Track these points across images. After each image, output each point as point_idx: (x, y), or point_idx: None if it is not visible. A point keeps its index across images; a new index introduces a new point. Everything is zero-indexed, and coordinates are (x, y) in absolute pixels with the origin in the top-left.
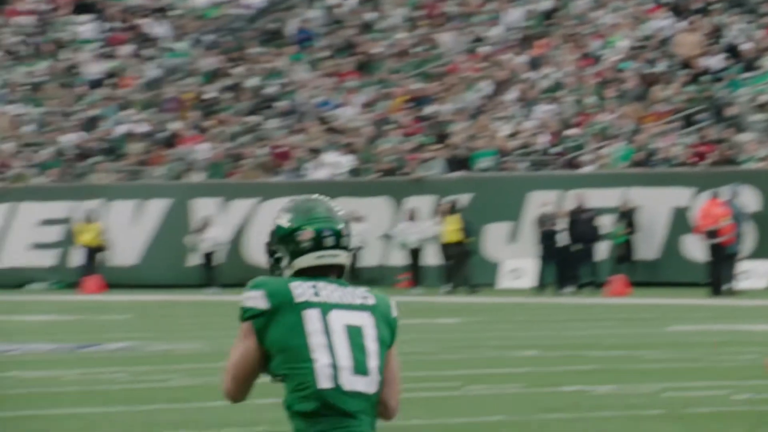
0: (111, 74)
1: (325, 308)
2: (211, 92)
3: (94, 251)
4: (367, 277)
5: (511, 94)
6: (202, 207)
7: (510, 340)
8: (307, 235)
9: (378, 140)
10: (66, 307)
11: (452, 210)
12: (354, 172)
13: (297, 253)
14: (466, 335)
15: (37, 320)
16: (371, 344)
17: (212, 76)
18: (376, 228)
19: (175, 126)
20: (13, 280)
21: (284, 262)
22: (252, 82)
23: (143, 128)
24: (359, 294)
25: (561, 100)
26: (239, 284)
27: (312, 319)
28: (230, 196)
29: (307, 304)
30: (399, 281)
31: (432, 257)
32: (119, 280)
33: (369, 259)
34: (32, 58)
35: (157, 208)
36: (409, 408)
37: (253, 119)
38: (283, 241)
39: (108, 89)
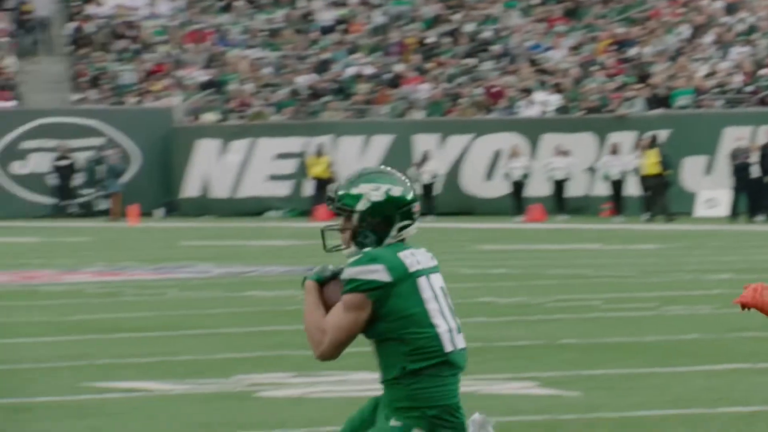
0: (341, 21)
1: (427, 274)
2: (431, 37)
3: (324, 182)
4: (573, 207)
5: (709, 37)
6: (422, 142)
7: (705, 265)
8: (418, 207)
9: (584, 80)
10: (299, 233)
11: (652, 144)
12: (561, 109)
13: (408, 224)
14: (664, 260)
15: (274, 245)
16: (451, 301)
17: (433, 22)
18: (582, 161)
19: (398, 68)
20: (253, 208)
21: (394, 232)
22: (469, 27)
23: (370, 70)
24: (429, 255)
25: (755, 43)
26: (455, 213)
27: (424, 286)
28: (448, 132)
29: (418, 273)
30: (602, 210)
31: (633, 188)
32: None
33: (575, 190)
34: (271, 6)
35: (381, 143)
36: (610, 327)
37: (469, 61)
38: (399, 211)
39: (339, 34)
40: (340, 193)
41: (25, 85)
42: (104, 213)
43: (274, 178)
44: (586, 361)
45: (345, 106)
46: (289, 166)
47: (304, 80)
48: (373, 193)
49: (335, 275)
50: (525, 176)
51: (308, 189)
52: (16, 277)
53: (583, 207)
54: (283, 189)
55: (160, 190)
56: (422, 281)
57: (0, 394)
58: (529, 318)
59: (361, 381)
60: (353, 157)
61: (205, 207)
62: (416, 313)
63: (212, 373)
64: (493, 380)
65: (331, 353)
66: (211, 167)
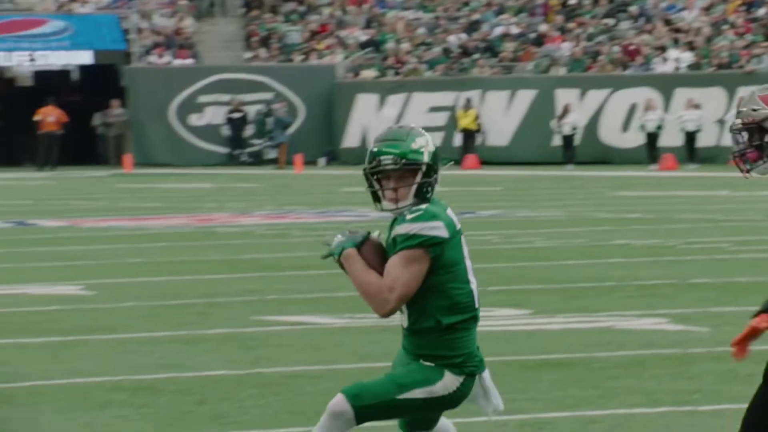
0: None
1: (462, 232)
2: None
3: (471, 133)
4: (703, 156)
5: None
6: (564, 96)
7: None
8: None
9: (715, 38)
10: (448, 180)
11: None
12: (693, 66)
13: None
14: None
15: None
16: None
17: None
18: (712, 114)
19: (542, 28)
20: None
21: (439, 179)
22: None
23: (516, 30)
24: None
25: None
26: (593, 162)
27: (463, 244)
28: (587, 87)
29: (461, 230)
30: (730, 159)
31: None
32: (493, 158)
33: (705, 141)
34: None
35: (525, 97)
36: (738, 267)
37: (608, 21)
38: (438, 162)
39: None
40: (397, 151)
41: (202, 44)
42: (272, 161)
43: (427, 129)
44: (715, 299)
45: (492, 63)
46: (441, 119)
47: (455, 39)
48: (429, 145)
49: (365, 239)
50: (659, 128)
51: (457, 140)
52: (193, 220)
53: (712, 156)
54: (434, 140)
55: (323, 140)
56: (462, 239)
57: (176, 327)
58: (662, 259)
59: (505, 316)
60: (499, 110)
61: (363, 156)
62: (460, 269)
63: (369, 308)
64: (628, 316)
65: (394, 308)
66: (370, 119)
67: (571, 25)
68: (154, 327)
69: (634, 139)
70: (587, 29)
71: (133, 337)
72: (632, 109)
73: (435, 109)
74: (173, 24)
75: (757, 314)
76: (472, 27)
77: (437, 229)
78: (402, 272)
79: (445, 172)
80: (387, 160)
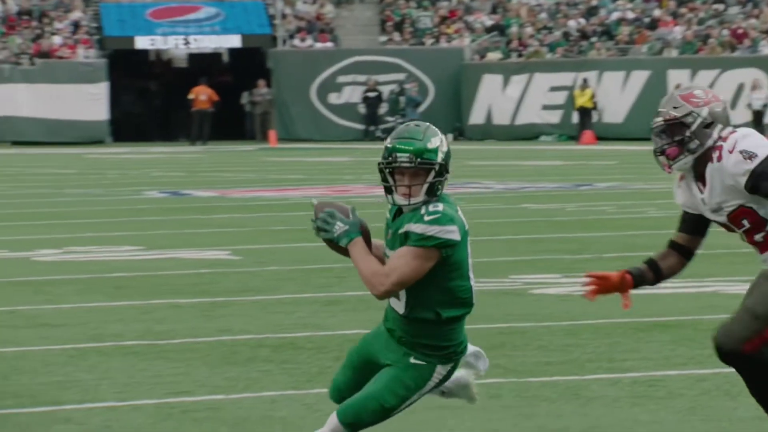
0: None
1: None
2: None
3: (588, 111)
4: None
5: None
6: (676, 77)
7: None
8: None
9: None
10: (567, 154)
11: None
12: None
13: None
14: None
15: (546, 164)
16: None
17: None
18: None
19: (656, 13)
20: (529, 133)
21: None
22: None
23: (631, 15)
24: None
25: None
26: None
27: (468, 243)
28: (697, 68)
29: (468, 231)
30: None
31: None
32: (608, 134)
33: None
34: None
35: (639, 77)
36: None
37: (718, 6)
38: (450, 161)
39: None
40: (413, 149)
41: (341, 29)
42: None
43: (547, 107)
44: None
45: (609, 46)
46: (560, 98)
47: (574, 24)
48: (443, 144)
49: (361, 226)
50: (765, 106)
51: (575, 117)
52: (331, 191)
53: None
54: (554, 117)
55: (451, 117)
56: (468, 238)
57: (315, 289)
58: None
59: None
60: (615, 90)
61: (488, 132)
62: (465, 267)
63: (493, 273)
64: (734, 282)
65: (391, 291)
66: (494, 98)
67: (683, 10)
68: (296, 289)
69: (741, 116)
70: (698, 14)
71: (276, 298)
72: (740, 89)
73: (555, 89)
74: (315, 10)
75: (626, 271)
76: (590, 12)
77: (452, 233)
78: (406, 263)
79: (563, 147)
80: (403, 157)
